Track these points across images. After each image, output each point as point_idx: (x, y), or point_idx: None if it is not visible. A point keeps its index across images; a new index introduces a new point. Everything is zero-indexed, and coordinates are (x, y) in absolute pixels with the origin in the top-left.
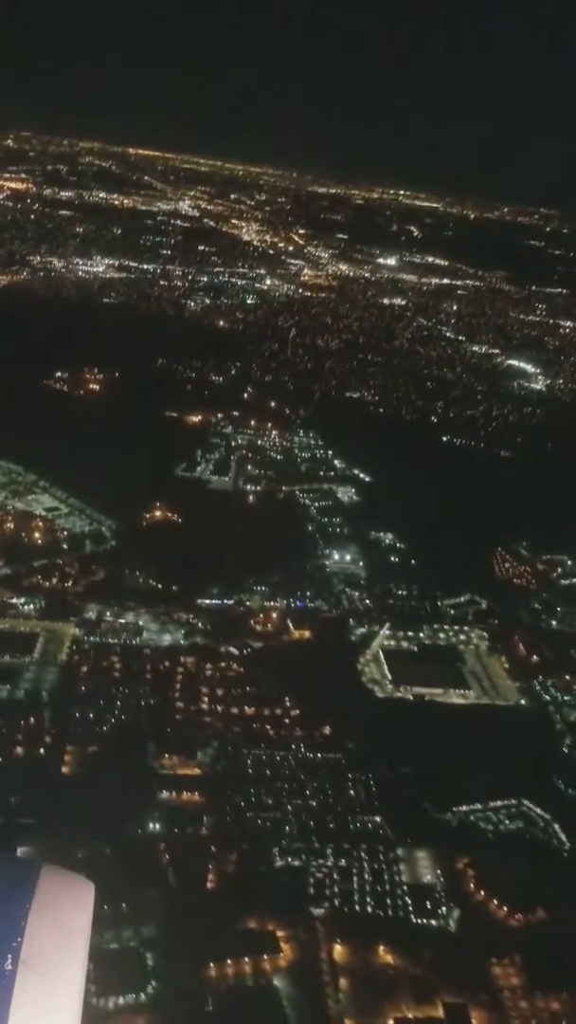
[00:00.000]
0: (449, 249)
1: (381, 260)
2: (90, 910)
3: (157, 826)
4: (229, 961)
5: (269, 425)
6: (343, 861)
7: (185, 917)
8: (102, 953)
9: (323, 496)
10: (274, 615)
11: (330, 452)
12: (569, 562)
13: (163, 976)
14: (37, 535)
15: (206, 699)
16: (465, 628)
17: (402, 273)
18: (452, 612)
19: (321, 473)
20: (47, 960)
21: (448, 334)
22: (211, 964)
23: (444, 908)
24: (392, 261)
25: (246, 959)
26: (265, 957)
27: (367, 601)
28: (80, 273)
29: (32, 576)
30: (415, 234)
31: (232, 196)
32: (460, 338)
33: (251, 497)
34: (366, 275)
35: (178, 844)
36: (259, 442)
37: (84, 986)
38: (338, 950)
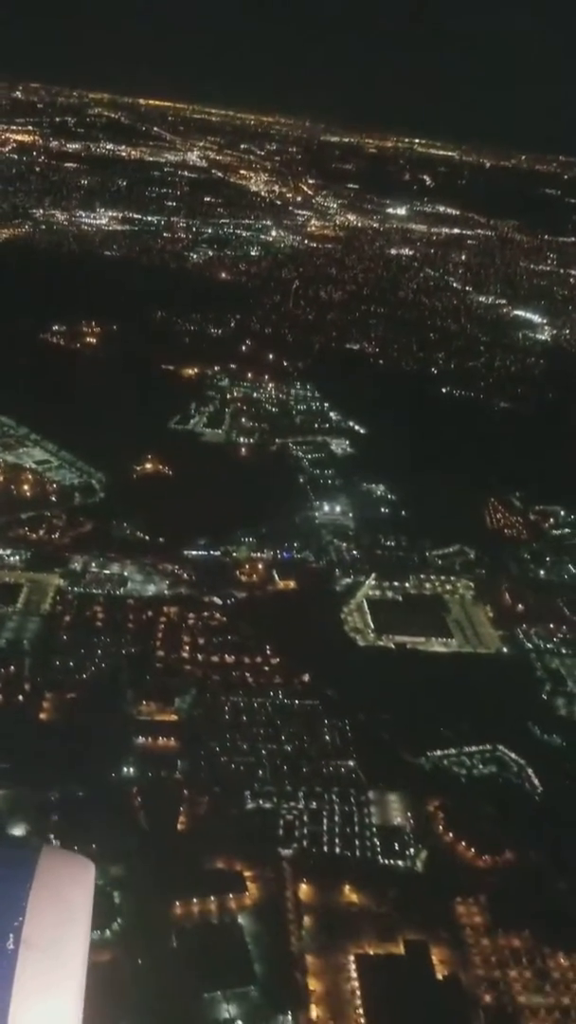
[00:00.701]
0: (462, 198)
1: (391, 210)
2: (91, 890)
3: (131, 770)
4: (195, 900)
5: (266, 377)
6: (314, 804)
7: (154, 857)
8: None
9: (316, 448)
10: (260, 566)
11: (326, 404)
12: (562, 512)
13: (129, 914)
14: (26, 488)
15: (187, 648)
16: (452, 578)
17: (412, 223)
18: (440, 562)
19: (316, 425)
20: (49, 939)
21: (455, 285)
22: (177, 903)
23: (412, 849)
24: (402, 211)
25: (212, 898)
26: (231, 896)
27: (354, 552)
28: (83, 226)
29: (19, 528)
30: (428, 183)
31: (242, 147)
32: (467, 289)
33: (243, 450)
34: (374, 225)
35: (151, 788)
36: (255, 395)
37: (87, 964)
38: (304, 889)
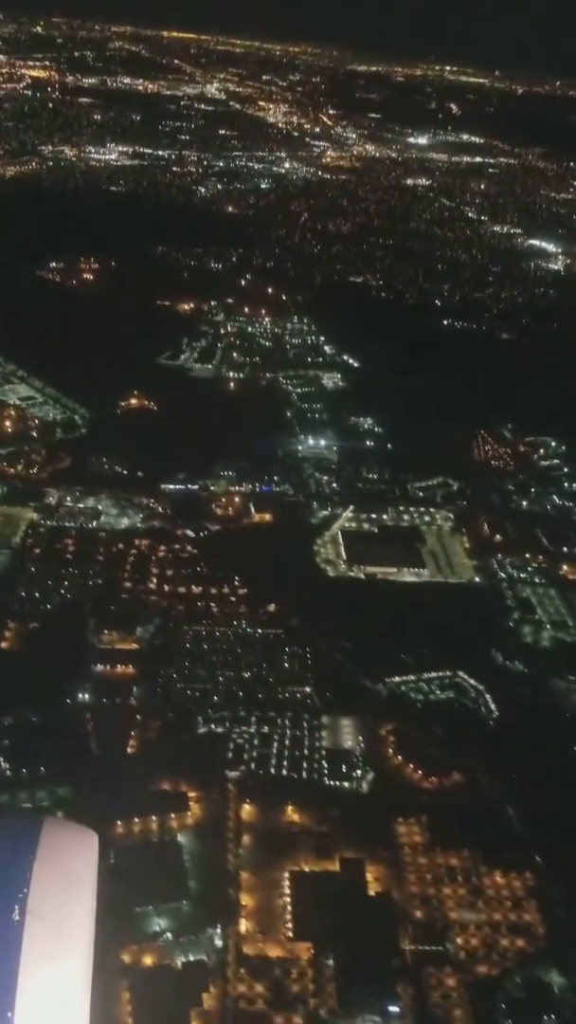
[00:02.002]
0: (488, 126)
1: (412, 140)
2: (94, 859)
3: (87, 696)
4: (136, 819)
5: (263, 312)
6: (265, 728)
7: (101, 779)
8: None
9: (307, 382)
10: (236, 499)
11: (322, 338)
12: (553, 443)
13: None
14: (8, 424)
15: (155, 579)
16: (431, 510)
17: (432, 152)
18: (421, 494)
19: (309, 359)
20: (54, 909)
21: (470, 214)
22: (119, 822)
23: (359, 771)
24: (423, 140)
25: (154, 817)
26: (173, 816)
27: (334, 485)
28: (91, 162)
29: None
30: (454, 112)
31: (264, 77)
32: (482, 218)
33: (232, 384)
34: (393, 155)
35: (105, 713)
36: (249, 329)
37: (93, 931)
38: (247, 809)
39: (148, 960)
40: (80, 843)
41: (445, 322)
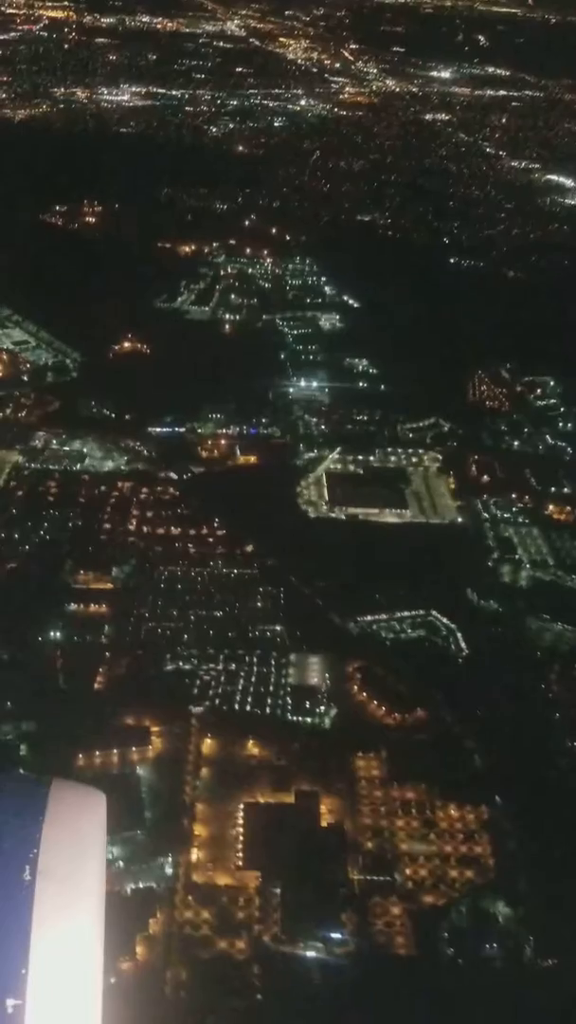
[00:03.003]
0: (515, 58)
1: (435, 73)
2: (103, 819)
3: (58, 634)
4: (98, 752)
5: (265, 252)
6: (233, 665)
7: (66, 714)
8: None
9: (304, 323)
10: (222, 442)
11: (323, 279)
12: (552, 383)
13: (31, 764)
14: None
15: (134, 521)
16: (420, 451)
17: (455, 86)
18: (411, 436)
19: (308, 300)
20: (64, 868)
21: (488, 150)
22: (80, 755)
23: (323, 707)
24: (447, 74)
25: (115, 751)
26: (134, 749)
27: (322, 426)
28: (103, 103)
29: None
30: (481, 43)
31: (287, 12)
32: (500, 153)
33: (227, 327)
34: (413, 90)
35: (75, 650)
36: (249, 271)
37: (104, 890)
38: (207, 743)
39: None
40: (88, 803)
41: (452, 260)
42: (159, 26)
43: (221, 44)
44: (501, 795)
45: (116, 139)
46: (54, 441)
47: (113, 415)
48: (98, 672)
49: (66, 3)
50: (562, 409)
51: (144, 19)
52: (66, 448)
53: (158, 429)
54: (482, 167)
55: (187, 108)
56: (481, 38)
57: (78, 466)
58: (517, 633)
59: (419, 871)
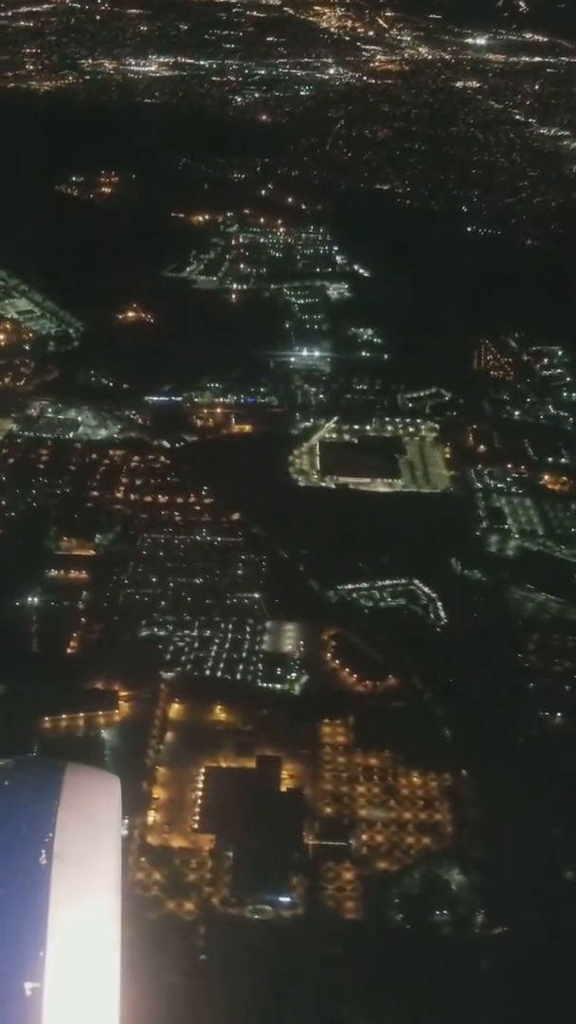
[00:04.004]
0: (555, 24)
1: (470, 40)
2: (118, 803)
3: (36, 599)
4: (64, 716)
5: (279, 222)
6: (208, 632)
7: (36, 677)
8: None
9: (312, 293)
10: (218, 411)
11: (335, 248)
12: (560, 352)
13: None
14: (2, 337)
15: (122, 489)
16: (417, 421)
17: (489, 54)
18: (410, 405)
19: (318, 270)
20: (80, 851)
21: (518, 117)
22: (46, 718)
23: (294, 674)
24: (482, 41)
25: (81, 715)
26: (100, 713)
27: (321, 396)
28: (129, 74)
29: None
30: (521, 9)
31: None
32: (530, 121)
33: (234, 296)
34: (446, 57)
35: (51, 615)
36: (261, 240)
37: (119, 873)
38: (175, 708)
39: None
40: (102, 788)
41: (468, 228)
42: None
43: (254, 13)
44: (466, 764)
45: (138, 109)
46: (49, 410)
47: (111, 384)
48: (72, 637)
49: None
50: (568, 379)
51: None
52: (61, 417)
53: (155, 398)
54: (509, 134)
55: (214, 78)
56: (522, 3)
57: (71, 434)
58: (499, 603)
59: (376, 837)
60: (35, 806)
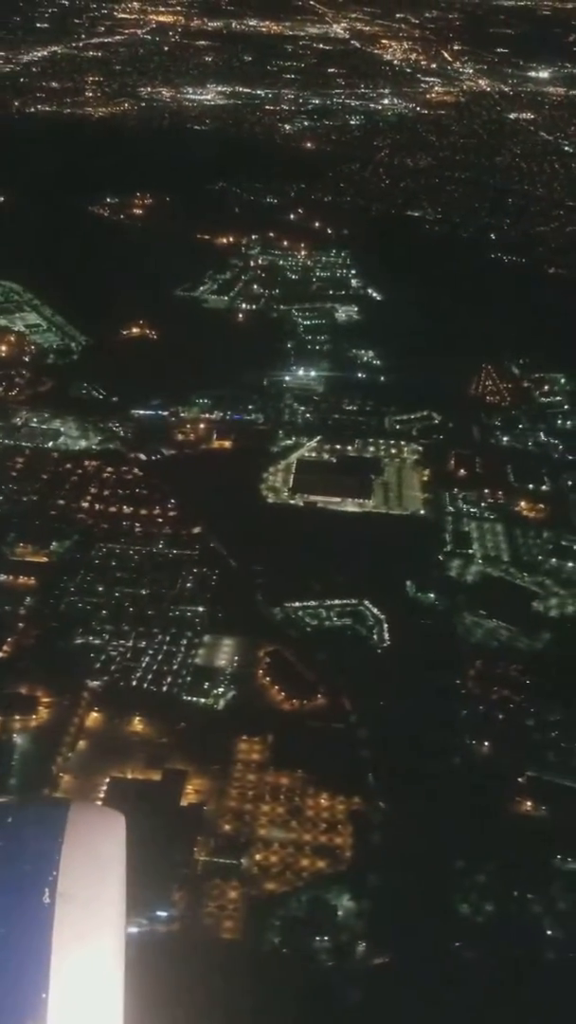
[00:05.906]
0: None
1: (532, 73)
2: (123, 840)
3: None
4: None
5: (301, 245)
6: (143, 643)
7: None
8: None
9: (320, 315)
10: (201, 426)
11: (353, 271)
12: (562, 380)
13: None
14: (4, 348)
15: (89, 499)
16: (401, 443)
17: (550, 86)
18: (397, 427)
19: (331, 292)
20: (84, 891)
21: (567, 148)
22: None
23: (220, 689)
24: (545, 74)
25: None
26: (17, 718)
27: (307, 415)
28: (184, 102)
29: None
30: None
31: (397, 15)
32: None
33: (241, 316)
34: (504, 89)
35: None
36: (280, 262)
37: (124, 913)
38: (93, 717)
39: None
40: (107, 825)
41: (493, 256)
42: (264, 29)
43: (320, 46)
44: (379, 788)
45: (185, 135)
46: (34, 419)
47: (101, 396)
48: (5, 642)
49: (178, 8)
50: (566, 407)
51: (251, 23)
52: (44, 427)
53: (142, 411)
54: (555, 165)
55: (267, 107)
56: None
57: (50, 444)
58: (447, 628)
59: (270, 857)
60: (39, 844)
